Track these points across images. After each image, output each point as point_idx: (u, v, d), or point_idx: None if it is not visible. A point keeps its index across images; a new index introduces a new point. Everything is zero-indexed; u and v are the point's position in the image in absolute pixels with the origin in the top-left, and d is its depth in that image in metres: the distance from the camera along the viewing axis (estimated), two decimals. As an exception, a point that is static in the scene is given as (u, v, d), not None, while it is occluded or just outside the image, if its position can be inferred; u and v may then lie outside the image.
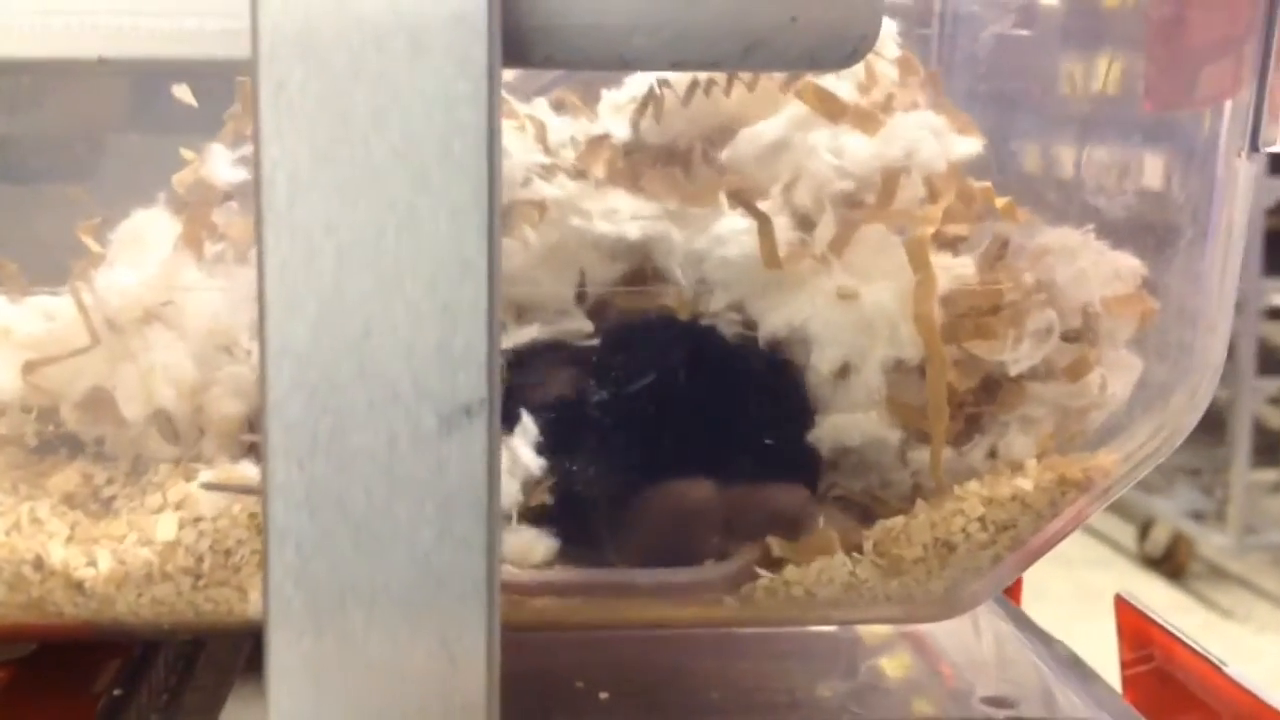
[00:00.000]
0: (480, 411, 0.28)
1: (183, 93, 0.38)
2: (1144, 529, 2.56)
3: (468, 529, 0.28)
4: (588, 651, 0.44)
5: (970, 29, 0.50)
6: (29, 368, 0.37)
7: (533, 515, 0.36)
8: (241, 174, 0.40)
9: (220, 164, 0.40)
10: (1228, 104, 0.38)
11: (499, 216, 0.28)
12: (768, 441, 0.35)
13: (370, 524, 0.28)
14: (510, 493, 0.36)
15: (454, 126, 0.27)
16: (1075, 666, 0.48)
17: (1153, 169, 0.40)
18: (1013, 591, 0.59)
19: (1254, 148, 0.35)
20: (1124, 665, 0.55)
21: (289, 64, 0.27)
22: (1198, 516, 2.50)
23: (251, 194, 0.40)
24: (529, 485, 0.36)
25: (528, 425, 0.36)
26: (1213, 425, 2.54)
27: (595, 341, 0.36)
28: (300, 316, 0.27)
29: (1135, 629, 0.55)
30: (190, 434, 0.38)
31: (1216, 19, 0.41)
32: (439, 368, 0.28)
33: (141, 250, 0.39)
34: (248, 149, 0.39)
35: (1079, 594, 2.10)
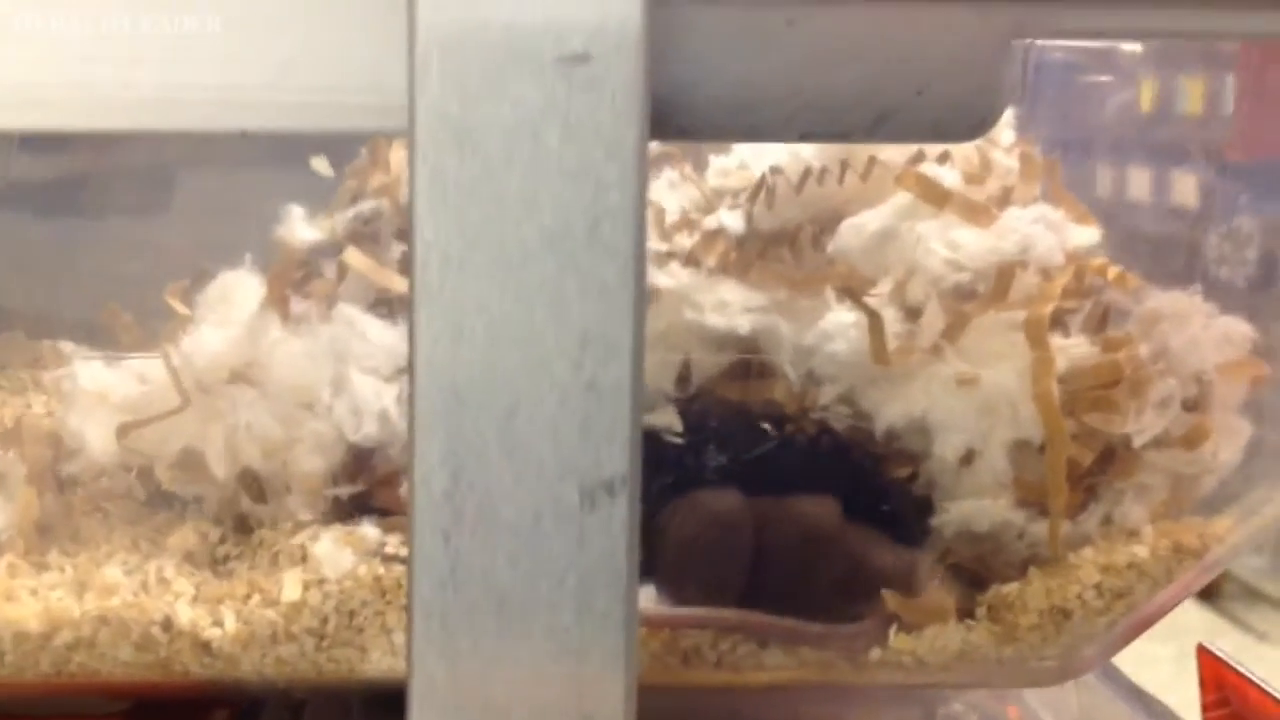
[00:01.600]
0: (621, 489, 0.29)
1: (320, 164, 0.38)
2: (1177, 549, 2.55)
3: (607, 603, 0.29)
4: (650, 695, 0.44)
5: (1054, 75, 0.50)
6: (123, 430, 0.38)
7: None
8: (317, 234, 0.41)
9: (298, 225, 0.41)
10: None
11: (645, 296, 0.28)
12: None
13: (513, 598, 0.28)
14: None
15: (603, 208, 0.28)
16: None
17: (1260, 227, 0.40)
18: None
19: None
20: (1205, 709, 0.56)
21: (446, 149, 0.27)
22: (1231, 537, 2.48)
23: (333, 253, 0.40)
24: None
25: None
26: (1246, 446, 2.52)
27: (683, 440, 0.36)
28: (450, 393, 0.28)
29: (1215, 675, 0.56)
30: (276, 491, 0.38)
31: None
32: (583, 444, 0.28)
33: (229, 310, 0.40)
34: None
35: (1114, 615, 2.09)
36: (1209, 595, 2.47)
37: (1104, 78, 0.49)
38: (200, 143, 0.46)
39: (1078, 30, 0.34)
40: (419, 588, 0.28)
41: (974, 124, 0.32)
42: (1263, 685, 0.51)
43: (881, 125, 0.32)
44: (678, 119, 0.31)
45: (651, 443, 0.36)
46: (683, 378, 0.37)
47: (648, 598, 0.37)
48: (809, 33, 0.31)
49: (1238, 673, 0.54)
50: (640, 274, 0.28)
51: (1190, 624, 2.56)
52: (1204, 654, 0.57)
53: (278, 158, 0.43)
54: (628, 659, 0.29)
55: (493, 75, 0.27)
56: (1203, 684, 0.57)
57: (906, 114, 0.31)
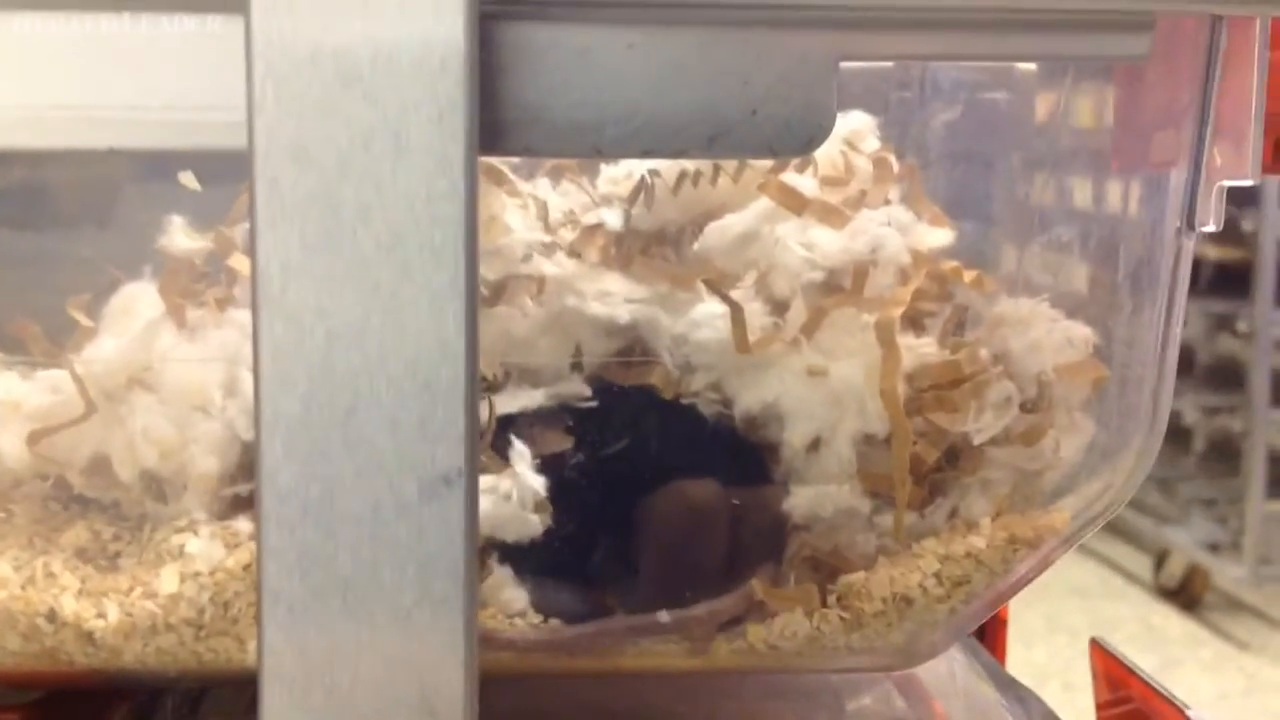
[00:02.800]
0: (458, 481, 0.30)
1: (188, 179, 0.40)
2: (1159, 560, 2.55)
3: (446, 589, 0.31)
4: (573, 692, 0.46)
5: (947, 92, 0.52)
6: (33, 438, 0.40)
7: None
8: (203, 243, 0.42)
9: (178, 235, 0.42)
10: (1171, 178, 0.40)
11: (477, 301, 0.30)
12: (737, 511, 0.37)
13: (356, 585, 0.30)
14: (532, 523, 0.38)
15: (434, 219, 0.30)
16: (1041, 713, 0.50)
17: (1101, 239, 0.42)
18: (996, 641, 0.61)
19: (1189, 226, 0.37)
20: (1100, 707, 0.57)
21: (283, 163, 0.29)
22: (1213, 548, 2.49)
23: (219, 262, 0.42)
24: (541, 506, 0.38)
25: (520, 449, 0.38)
26: (1228, 456, 2.54)
27: (594, 403, 0.38)
28: (292, 393, 0.30)
29: (1108, 671, 0.57)
30: (176, 491, 0.40)
31: (1164, 88, 0.43)
32: (420, 441, 0.30)
33: (130, 321, 0.41)
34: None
35: (1094, 625, 2.10)
36: (1190, 605, 2.49)
37: (995, 94, 0.51)
38: (132, 159, 0.48)
39: (896, 54, 0.36)
40: (267, 576, 0.30)
41: (804, 141, 0.34)
42: (1152, 682, 0.52)
43: (718, 143, 0.34)
44: (524, 138, 0.33)
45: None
46: (576, 362, 0.39)
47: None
48: (648, 56, 0.33)
49: (1134, 672, 0.55)
50: (472, 280, 0.30)
51: (1171, 634, 2.57)
52: (1097, 649, 0.58)
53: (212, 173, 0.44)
54: (468, 643, 0.31)
55: (325, 96, 0.29)
56: (1096, 680, 0.58)
57: (741, 132, 0.33)
